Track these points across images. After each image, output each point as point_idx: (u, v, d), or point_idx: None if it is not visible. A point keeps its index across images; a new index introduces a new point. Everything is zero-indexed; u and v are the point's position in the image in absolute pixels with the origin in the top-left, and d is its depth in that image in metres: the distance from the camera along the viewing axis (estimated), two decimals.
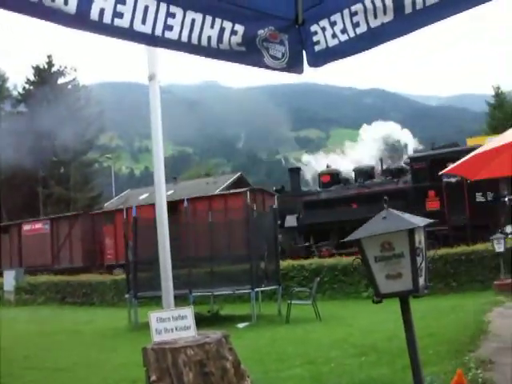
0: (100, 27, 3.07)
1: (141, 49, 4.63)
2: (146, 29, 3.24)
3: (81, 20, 3.01)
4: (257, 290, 16.43)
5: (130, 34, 3.19)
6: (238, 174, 58.83)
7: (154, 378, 4.88)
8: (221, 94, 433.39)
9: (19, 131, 65.67)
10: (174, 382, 4.81)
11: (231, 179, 53.30)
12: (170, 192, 41.39)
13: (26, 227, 42.20)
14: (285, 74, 4.04)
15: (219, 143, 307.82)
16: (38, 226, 41.72)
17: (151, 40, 3.31)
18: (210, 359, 4.84)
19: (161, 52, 5.21)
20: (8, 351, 13.23)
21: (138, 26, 3.20)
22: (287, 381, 7.72)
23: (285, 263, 21.01)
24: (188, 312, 4.85)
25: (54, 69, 73.22)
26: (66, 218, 41.37)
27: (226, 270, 17.77)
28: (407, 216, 3.48)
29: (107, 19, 3.09)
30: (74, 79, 74.28)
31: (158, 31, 3.29)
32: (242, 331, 14.07)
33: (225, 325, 14.10)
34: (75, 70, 75.77)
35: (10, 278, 29.89)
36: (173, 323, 4.83)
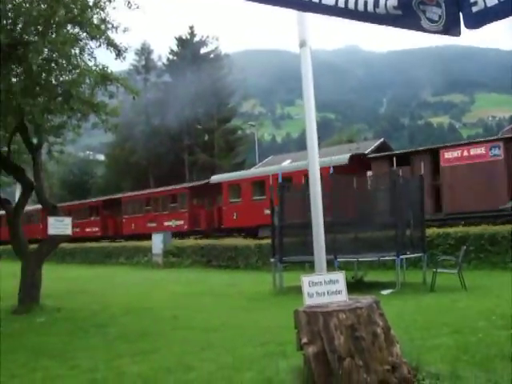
0: None
1: (289, 16, 4.64)
2: None
3: None
4: (402, 257, 16.25)
5: (288, 1, 3.22)
6: (381, 139, 57.94)
7: (305, 340, 4.96)
8: (362, 58, 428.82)
9: (165, 101, 67.96)
10: (324, 345, 4.88)
11: (374, 145, 52.55)
12: None
13: (450, 154, 27.07)
14: (430, 35, 3.94)
15: (361, 109, 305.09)
16: (478, 151, 26.57)
17: (309, 6, 3.32)
18: (361, 324, 4.87)
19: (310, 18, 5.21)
20: (158, 311, 13.89)
21: None
22: (433, 349, 7.60)
23: (430, 231, 20.59)
24: (340, 277, 4.89)
25: (196, 39, 74.83)
26: None
27: (371, 236, 17.60)
28: None
29: None
30: (216, 48, 75.90)
31: None
32: (387, 298, 13.97)
33: (369, 291, 14.03)
34: (217, 40, 77.34)
35: (158, 242, 31.01)
36: (324, 287, 4.88)
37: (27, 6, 12.12)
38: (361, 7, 3.47)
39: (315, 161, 5.08)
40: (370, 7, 3.50)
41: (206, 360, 8.06)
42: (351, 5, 3.42)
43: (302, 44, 5.18)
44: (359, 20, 3.56)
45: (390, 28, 3.76)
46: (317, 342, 4.88)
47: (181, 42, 75.17)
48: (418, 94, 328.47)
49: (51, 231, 15.19)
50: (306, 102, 5.13)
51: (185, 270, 27.09)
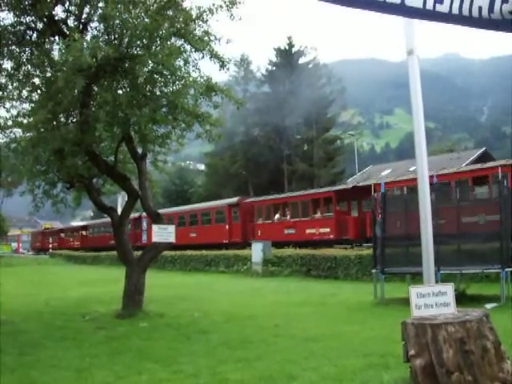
0: (373, 4, 3.12)
1: (387, 25, 4.59)
2: (418, 3, 3.23)
3: None
4: (507, 269, 15.78)
5: (401, 10, 3.20)
6: (483, 149, 56.72)
7: (412, 352, 4.89)
8: (462, 66, 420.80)
9: (264, 111, 68.71)
10: (432, 358, 4.80)
11: (475, 155, 51.50)
12: (412, 168, 40.81)
13: None
14: None
15: (461, 117, 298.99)
16: None
17: (422, 14, 3.29)
18: (470, 337, 4.77)
19: (418, 26, 5.15)
20: (259, 319, 13.98)
21: (409, 1, 3.19)
22: None
23: None
24: (448, 288, 4.81)
25: (294, 49, 75.42)
26: None
27: (475, 247, 17.12)
28: None
29: None
30: (314, 58, 76.21)
31: (429, 5, 3.25)
32: (491, 312, 13.58)
33: (471, 305, 13.65)
34: (315, 49, 77.72)
35: (258, 251, 31.16)
36: (433, 299, 4.81)
37: (133, 20, 12.45)
38: (475, 13, 3.40)
39: (424, 171, 5.00)
40: (485, 13, 3.42)
41: (308, 369, 8.06)
42: (465, 11, 3.36)
43: (410, 52, 5.13)
44: (475, 27, 3.49)
45: (494, 34, 3.67)
46: (424, 354, 4.81)
47: (279, 52, 75.78)
48: None
49: (155, 238, 15.53)
50: (414, 110, 5.07)
51: (284, 279, 27.10)
